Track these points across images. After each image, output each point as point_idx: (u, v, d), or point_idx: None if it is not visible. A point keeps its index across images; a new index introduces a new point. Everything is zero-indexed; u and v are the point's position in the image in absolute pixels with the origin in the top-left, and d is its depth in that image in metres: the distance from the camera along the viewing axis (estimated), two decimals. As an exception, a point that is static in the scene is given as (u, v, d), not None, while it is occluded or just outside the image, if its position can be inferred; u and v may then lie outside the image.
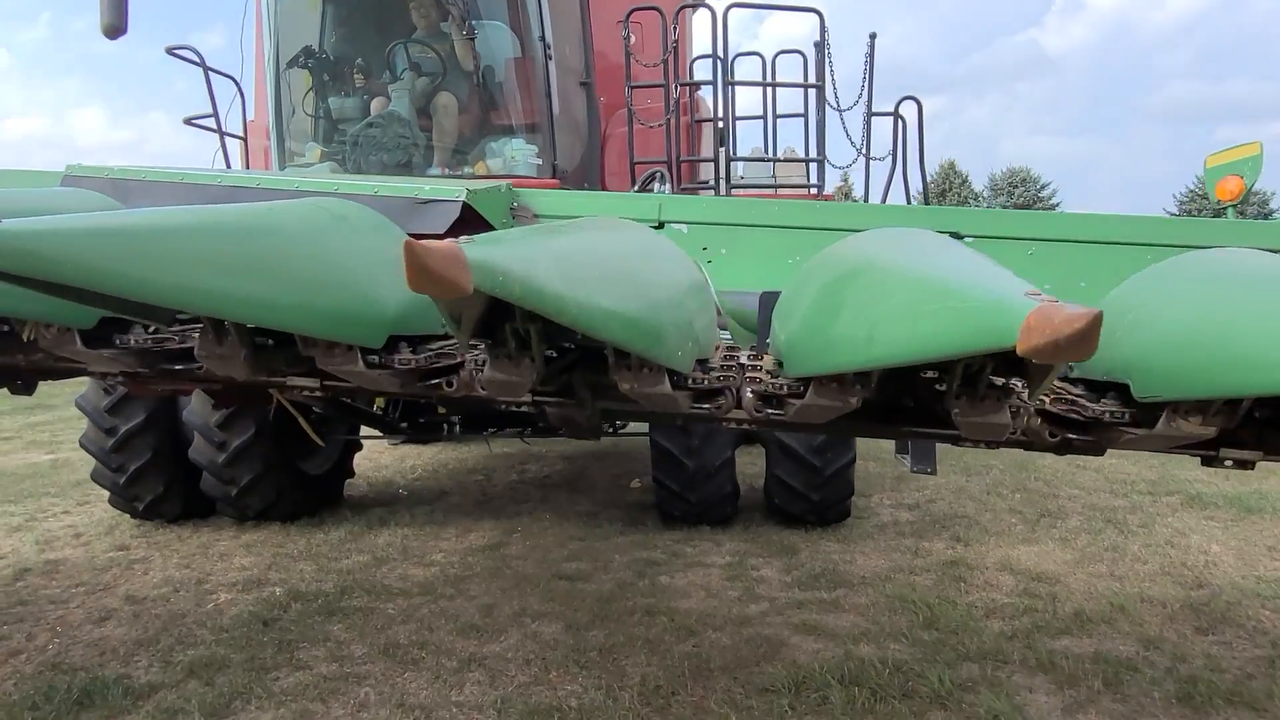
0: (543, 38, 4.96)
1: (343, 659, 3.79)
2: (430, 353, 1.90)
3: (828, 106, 5.41)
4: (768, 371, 1.97)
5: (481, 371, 1.76)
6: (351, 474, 7.00)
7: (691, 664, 3.68)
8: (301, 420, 5.45)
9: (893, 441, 3.87)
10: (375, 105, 5.11)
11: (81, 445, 5.91)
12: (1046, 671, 3.59)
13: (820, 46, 4.97)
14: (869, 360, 1.43)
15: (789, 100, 6.18)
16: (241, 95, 5.80)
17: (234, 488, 5.82)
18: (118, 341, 1.98)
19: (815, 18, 5.19)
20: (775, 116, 6.04)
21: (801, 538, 5.53)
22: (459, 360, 1.88)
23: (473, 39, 4.77)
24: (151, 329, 1.99)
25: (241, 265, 1.48)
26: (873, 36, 5.23)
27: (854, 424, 2.05)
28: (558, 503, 6.70)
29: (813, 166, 5.67)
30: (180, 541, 5.68)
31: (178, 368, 2.09)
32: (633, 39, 5.86)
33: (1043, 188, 54.11)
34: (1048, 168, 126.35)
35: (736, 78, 5.63)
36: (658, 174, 4.62)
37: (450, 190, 3.48)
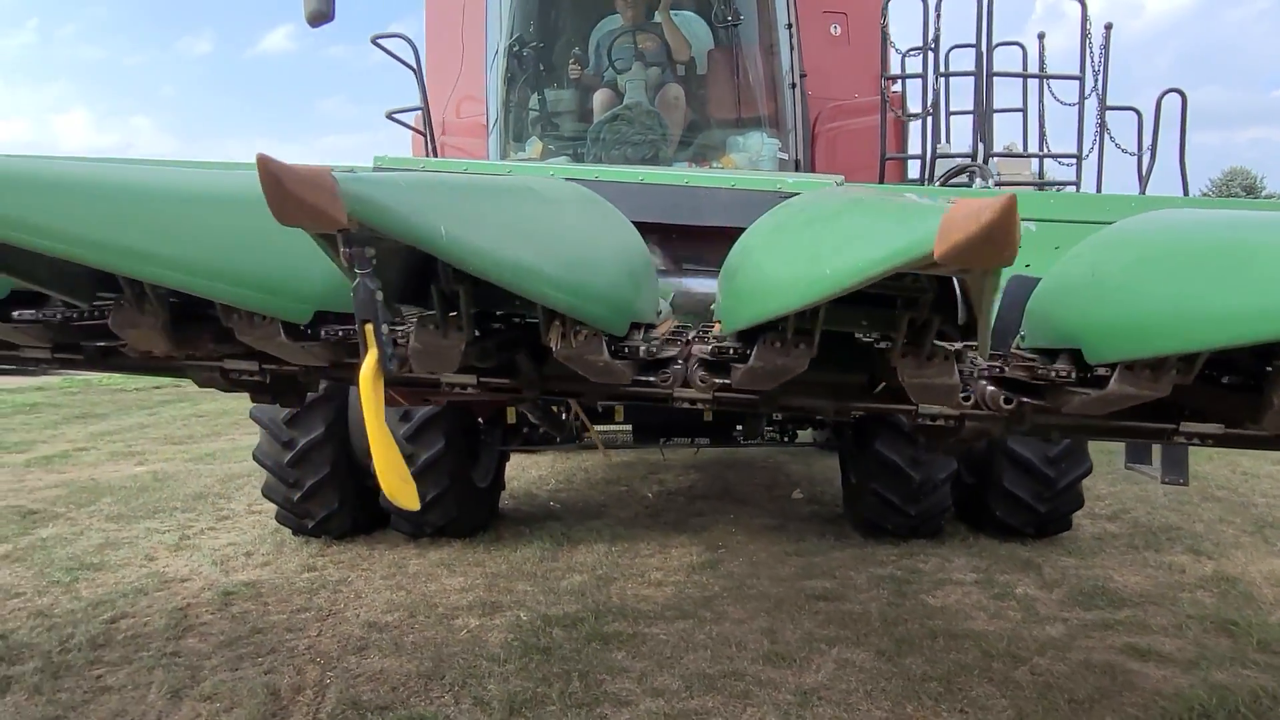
0: (789, 25, 4.69)
1: (664, 693, 3.50)
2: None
3: (1057, 101, 5.18)
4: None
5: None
6: (504, 485, 6.69)
7: (1043, 695, 3.42)
8: (591, 429, 5.18)
9: None
10: (599, 98, 4.83)
11: (255, 459, 5.56)
12: None
13: (1084, 37, 4.73)
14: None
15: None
16: (422, 90, 5.49)
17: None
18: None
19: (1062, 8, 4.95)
20: (992, 110, 5.79)
21: (1025, 551, 5.31)
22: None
23: (737, 25, 4.50)
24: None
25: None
26: (1108, 27, 5.01)
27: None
28: (728, 516, 6.43)
29: (1033, 162, 5.44)
30: (365, 560, 5.35)
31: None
32: (837, 30, 5.62)
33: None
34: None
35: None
36: (972, 169, 4.36)
37: (821, 184, 3.23)
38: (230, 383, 2.76)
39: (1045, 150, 5.36)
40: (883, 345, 1.86)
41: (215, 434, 11.50)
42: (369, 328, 1.31)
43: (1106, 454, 6.30)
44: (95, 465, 9.02)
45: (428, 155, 5.55)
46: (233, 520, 6.47)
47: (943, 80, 4.59)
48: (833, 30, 5.51)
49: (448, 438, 5.39)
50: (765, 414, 5.44)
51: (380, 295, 1.30)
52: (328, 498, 5.58)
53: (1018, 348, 1.95)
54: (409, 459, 5.34)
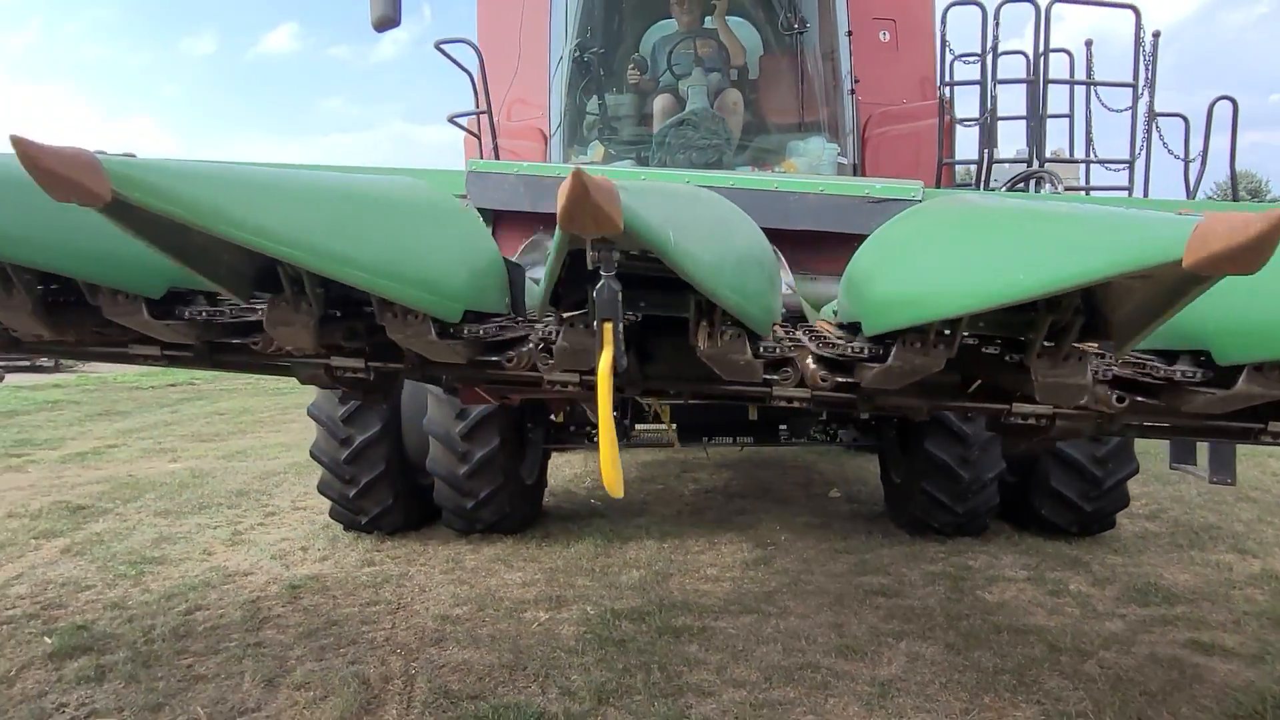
0: (850, 33, 4.78)
1: (744, 684, 3.59)
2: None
3: (1104, 107, 5.27)
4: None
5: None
6: (546, 483, 6.77)
7: (1116, 687, 3.52)
8: (668, 424, 5.26)
9: None
10: (660, 103, 4.91)
11: (312, 455, 5.65)
12: None
13: (1137, 44, 4.83)
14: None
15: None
16: (475, 93, 5.57)
17: (471, 500, 5.59)
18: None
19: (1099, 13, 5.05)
20: (1036, 117, 5.88)
21: (1071, 549, 5.40)
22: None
23: (803, 32, 4.59)
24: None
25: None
26: (1156, 35, 5.10)
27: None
28: (770, 513, 6.52)
29: (1080, 168, 5.54)
30: (421, 556, 5.44)
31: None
32: (886, 36, 5.71)
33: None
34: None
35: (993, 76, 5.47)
36: (1039, 175, 4.45)
37: (907, 189, 3.32)
38: (334, 379, 2.86)
39: (1093, 156, 5.45)
40: (990, 350, 1.92)
41: (241, 432, 11.58)
42: (608, 326, 1.39)
43: (1139, 454, 6.39)
44: (130, 462, 9.09)
45: (480, 158, 5.65)
46: (280, 516, 6.55)
47: (998, 86, 4.67)
48: (881, 36, 5.60)
49: (502, 435, 5.47)
50: (856, 413, 5.48)
51: (620, 296, 1.39)
52: (382, 494, 5.67)
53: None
54: (463, 457, 5.44)
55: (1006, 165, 4.88)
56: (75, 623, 4.21)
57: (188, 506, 6.83)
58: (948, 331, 1.78)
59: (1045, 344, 1.75)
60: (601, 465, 1.52)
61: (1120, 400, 1.96)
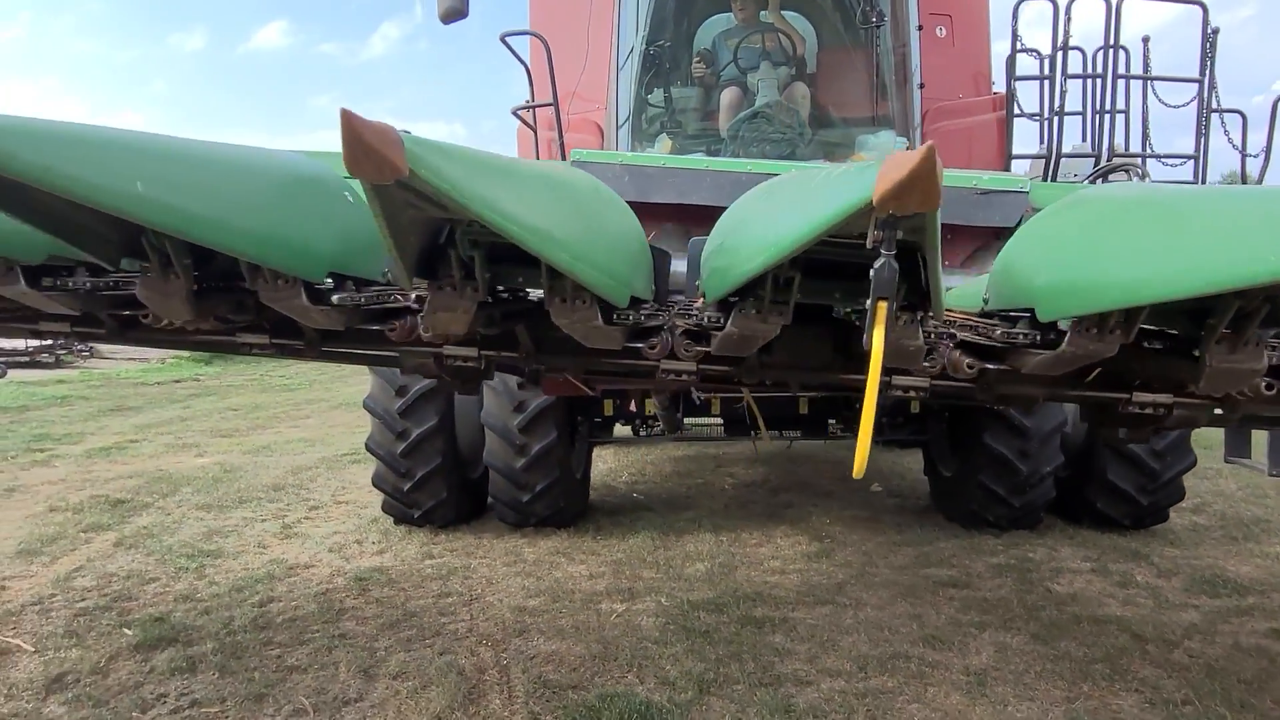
0: (921, 27, 4.80)
1: (839, 673, 3.59)
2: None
3: (1160, 102, 5.31)
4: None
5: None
6: (590, 477, 6.77)
7: (1210, 676, 3.54)
8: (758, 416, 5.28)
9: None
10: (728, 96, 4.92)
11: (368, 449, 5.61)
12: None
13: (1204, 39, 4.86)
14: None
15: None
16: (532, 87, 5.55)
17: (527, 493, 5.57)
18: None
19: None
20: (1101, 112, 5.91)
21: (1127, 541, 5.44)
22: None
23: (880, 25, 4.60)
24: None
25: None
26: (1215, 31, 5.14)
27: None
28: (816, 507, 6.53)
29: (1137, 164, 5.56)
30: (478, 548, 5.42)
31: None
32: (942, 32, 5.73)
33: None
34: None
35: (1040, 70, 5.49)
36: (1127, 168, 4.47)
37: (1015, 181, 3.33)
38: (441, 369, 2.86)
39: (1150, 151, 5.48)
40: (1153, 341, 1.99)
41: (259, 427, 11.52)
42: (883, 305, 1.39)
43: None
44: (156, 457, 9.03)
45: (537, 154, 5.64)
46: (324, 510, 6.52)
47: (1065, 81, 4.70)
48: (938, 32, 5.62)
49: (558, 429, 5.47)
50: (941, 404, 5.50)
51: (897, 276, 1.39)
52: (437, 488, 5.65)
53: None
54: (520, 450, 5.43)
55: (1077, 161, 4.89)
56: (150, 615, 4.18)
57: (227, 501, 6.79)
58: (1124, 319, 1.79)
59: (1224, 330, 1.75)
60: (859, 447, 1.51)
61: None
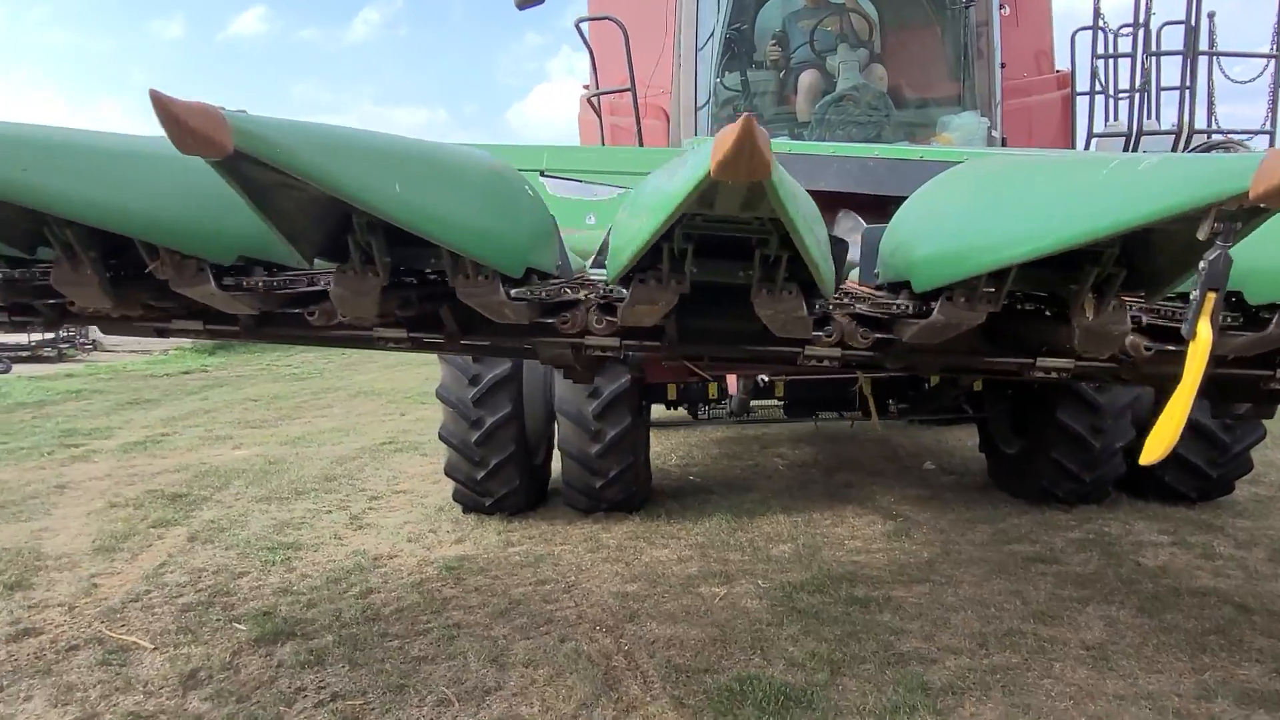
0: (1003, 6, 4.80)
1: (961, 651, 3.64)
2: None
3: (1226, 78, 5.34)
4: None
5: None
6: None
7: (1322, 643, 3.62)
8: (870, 399, 5.28)
9: None
10: (807, 79, 4.91)
11: (441, 438, 5.60)
12: None
13: (1281, 16, 4.89)
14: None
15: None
16: (595, 73, 5.53)
17: (601, 479, 5.59)
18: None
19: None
20: (1182, 88, 5.94)
21: (1196, 514, 5.54)
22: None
23: (970, 5, 4.60)
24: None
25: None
26: (1281, 8, 5.17)
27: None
28: (875, 486, 6.59)
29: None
30: (556, 535, 5.43)
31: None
32: (1006, 11, 5.73)
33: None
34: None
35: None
36: (1227, 145, 4.50)
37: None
38: (581, 359, 2.89)
39: (1215, 126, 5.51)
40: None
41: (286, 418, 11.47)
42: (1212, 296, 1.41)
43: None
44: (193, 450, 8.97)
45: (602, 140, 5.63)
46: (385, 500, 6.51)
47: (1150, 59, 4.72)
48: (1003, 11, 5.62)
49: (633, 414, 5.48)
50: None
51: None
52: (510, 475, 5.65)
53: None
54: (595, 436, 5.44)
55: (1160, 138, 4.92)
56: (256, 609, 4.18)
57: (283, 492, 6.77)
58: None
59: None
60: (1168, 430, 1.52)
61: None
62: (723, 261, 1.96)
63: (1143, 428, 5.67)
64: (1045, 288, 1.95)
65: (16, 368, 18.14)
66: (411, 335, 2.60)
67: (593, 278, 2.28)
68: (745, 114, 1.21)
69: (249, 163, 1.37)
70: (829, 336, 2.22)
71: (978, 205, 1.89)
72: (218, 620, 4.06)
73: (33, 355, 20.43)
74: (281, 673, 3.49)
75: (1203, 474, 5.52)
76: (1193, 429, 5.41)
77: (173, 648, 3.75)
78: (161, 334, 2.83)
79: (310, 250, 1.89)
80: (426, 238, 1.70)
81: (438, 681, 3.40)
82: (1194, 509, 5.63)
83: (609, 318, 2.16)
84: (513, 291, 2.00)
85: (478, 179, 1.95)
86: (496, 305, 1.99)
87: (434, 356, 5.53)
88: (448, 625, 3.96)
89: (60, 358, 20.92)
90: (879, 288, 2.22)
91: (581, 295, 2.15)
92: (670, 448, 8.33)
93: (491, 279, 1.91)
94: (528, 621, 4.01)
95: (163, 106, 1.22)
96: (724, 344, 2.65)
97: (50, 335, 20.10)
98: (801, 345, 2.36)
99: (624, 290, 2.00)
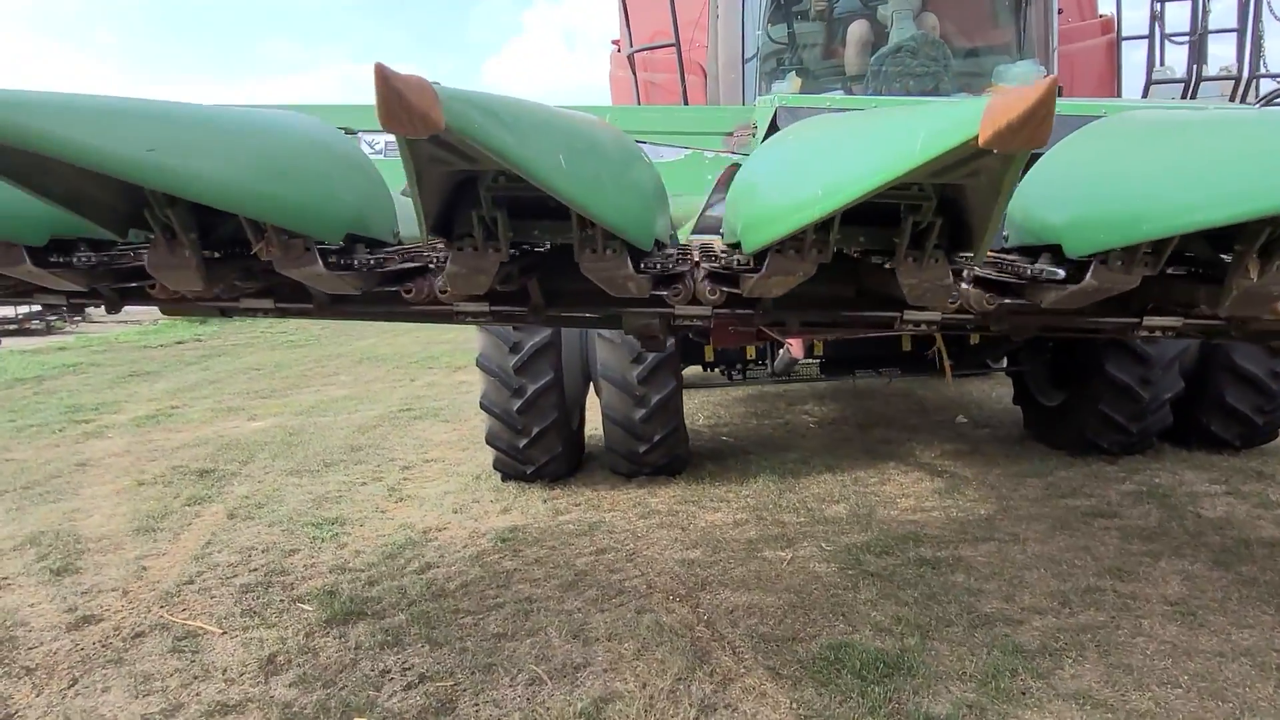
0: (1060, -52, 4.64)
1: (1045, 611, 3.61)
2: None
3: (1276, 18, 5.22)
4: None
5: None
6: (682, 424, 6.70)
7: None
8: (945, 355, 5.20)
9: None
10: (856, 30, 4.74)
11: (482, 407, 5.49)
12: None
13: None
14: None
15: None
16: (675, 31, 5.32)
17: (645, 444, 5.52)
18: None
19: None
20: (1242, 31, 5.79)
21: (1241, 462, 5.53)
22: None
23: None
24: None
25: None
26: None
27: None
28: (912, 442, 6.55)
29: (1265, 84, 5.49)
30: (603, 501, 5.36)
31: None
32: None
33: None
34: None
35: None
36: None
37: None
38: (669, 329, 2.82)
39: (1264, 69, 5.41)
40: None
41: (294, 387, 11.30)
42: None
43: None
44: (208, 423, 8.82)
45: (638, 98, 5.47)
46: (419, 470, 6.42)
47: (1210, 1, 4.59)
48: None
49: (676, 379, 5.40)
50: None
51: None
52: (551, 443, 5.57)
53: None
54: (639, 400, 5.35)
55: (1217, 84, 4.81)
56: (317, 588, 4.10)
57: (312, 465, 6.66)
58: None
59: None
60: None
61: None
62: (862, 229, 1.85)
63: (1188, 377, 5.65)
64: (1201, 250, 1.86)
65: (6, 341, 17.80)
66: (494, 309, 2.51)
67: (714, 248, 2.18)
68: (1049, 75, 1.08)
69: (437, 143, 1.27)
70: (952, 304, 2.08)
71: (1153, 166, 1.76)
72: (281, 601, 3.97)
73: (20, 329, 20.06)
74: (361, 655, 3.42)
75: (1249, 421, 5.51)
76: (1240, 376, 5.39)
77: (241, 631, 3.67)
78: (225, 314, 2.72)
79: (438, 227, 1.78)
80: (583, 213, 1.61)
81: (524, 659, 3.34)
82: (1239, 456, 5.63)
83: (724, 288, 2.05)
84: (641, 264, 1.91)
85: (614, 151, 1.86)
86: (622, 279, 1.91)
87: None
88: (519, 600, 3.89)
89: (49, 330, 20.56)
90: (1007, 251, 2.11)
91: (689, 265, 2.05)
92: (696, 406, 8.27)
93: (620, 252, 1.83)
94: (598, 593, 3.95)
95: (385, 80, 1.13)
96: (819, 309, 2.56)
97: (38, 307, 19.71)
98: (900, 309, 2.27)
99: (741, 259, 1.92)
